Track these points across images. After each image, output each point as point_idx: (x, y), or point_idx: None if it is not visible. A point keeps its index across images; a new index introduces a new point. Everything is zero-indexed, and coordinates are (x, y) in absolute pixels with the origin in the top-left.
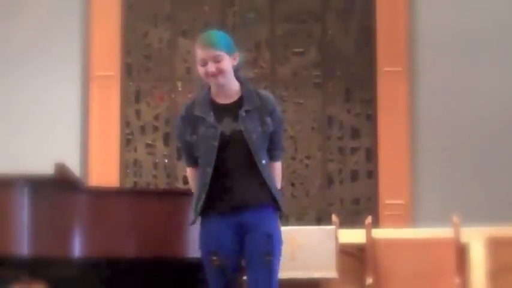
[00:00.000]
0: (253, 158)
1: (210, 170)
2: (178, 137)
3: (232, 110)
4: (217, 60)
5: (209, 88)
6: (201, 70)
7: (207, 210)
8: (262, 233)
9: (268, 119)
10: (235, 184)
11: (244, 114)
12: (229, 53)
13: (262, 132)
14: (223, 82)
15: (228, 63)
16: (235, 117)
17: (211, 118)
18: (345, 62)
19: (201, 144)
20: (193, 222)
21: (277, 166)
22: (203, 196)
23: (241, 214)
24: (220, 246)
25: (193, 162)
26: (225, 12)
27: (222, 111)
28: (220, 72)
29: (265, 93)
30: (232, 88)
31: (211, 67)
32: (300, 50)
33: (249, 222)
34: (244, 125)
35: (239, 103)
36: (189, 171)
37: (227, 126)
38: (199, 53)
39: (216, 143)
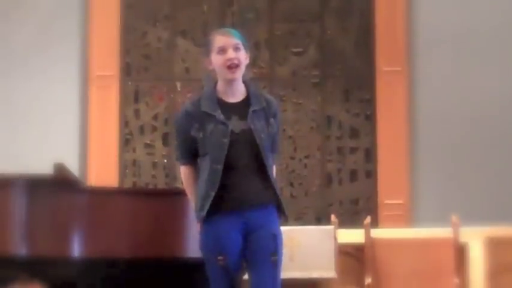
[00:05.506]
0: (261, 158)
1: (219, 168)
2: (179, 132)
3: (239, 109)
4: (237, 48)
5: (214, 85)
6: (218, 59)
7: (213, 209)
8: (268, 233)
9: (273, 121)
10: (243, 183)
11: (252, 113)
12: (245, 48)
13: (268, 133)
14: (238, 76)
15: (244, 56)
16: (243, 116)
17: (220, 115)
18: (344, 61)
19: (209, 141)
20: (201, 220)
21: (274, 169)
22: (212, 194)
23: (247, 213)
24: (227, 246)
25: (191, 159)
26: (224, 12)
27: (229, 109)
28: (239, 62)
29: (269, 95)
30: (239, 88)
31: (232, 53)
32: (299, 49)
33: (255, 221)
34: (254, 124)
35: (246, 102)
36: (184, 169)
37: (236, 124)
38: (219, 40)
39: (226, 140)
